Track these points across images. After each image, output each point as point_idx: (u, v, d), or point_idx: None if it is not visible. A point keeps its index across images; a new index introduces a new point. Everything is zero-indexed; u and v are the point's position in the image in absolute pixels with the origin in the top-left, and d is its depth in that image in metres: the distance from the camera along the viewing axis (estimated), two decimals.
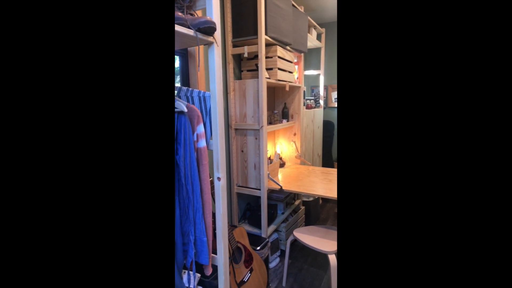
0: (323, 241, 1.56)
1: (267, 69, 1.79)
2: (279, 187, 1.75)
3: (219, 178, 0.94)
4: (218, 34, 0.87)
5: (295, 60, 2.32)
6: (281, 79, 1.85)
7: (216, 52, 0.88)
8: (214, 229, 1.05)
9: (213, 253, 1.01)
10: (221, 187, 0.95)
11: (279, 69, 1.82)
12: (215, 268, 1.02)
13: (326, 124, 3.33)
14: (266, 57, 1.77)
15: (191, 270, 0.95)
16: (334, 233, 1.65)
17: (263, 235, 1.80)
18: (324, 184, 1.78)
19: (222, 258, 0.98)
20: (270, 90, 2.33)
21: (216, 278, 1.21)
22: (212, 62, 0.88)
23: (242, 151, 1.81)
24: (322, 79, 2.96)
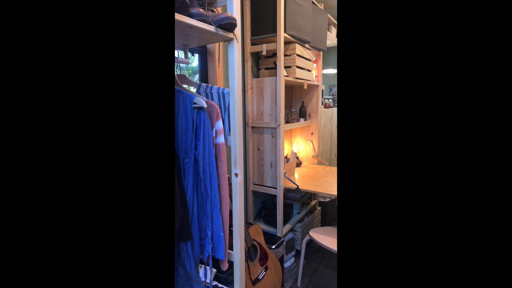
0: None
1: (286, 67, 1.78)
2: (296, 186, 1.73)
3: (236, 174, 0.95)
4: (238, 30, 0.88)
5: (314, 59, 2.29)
6: (299, 77, 1.83)
7: (236, 48, 0.88)
8: (231, 225, 1.05)
9: (229, 249, 1.02)
10: (238, 183, 0.95)
11: (298, 67, 1.81)
12: (231, 264, 1.02)
13: None
14: (285, 55, 1.76)
15: (208, 265, 0.96)
16: None
17: (278, 234, 1.79)
18: None
19: (238, 254, 0.98)
20: (287, 89, 2.31)
21: (231, 274, 1.21)
22: (231, 58, 0.88)
23: (259, 149, 1.81)
24: None
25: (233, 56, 0.88)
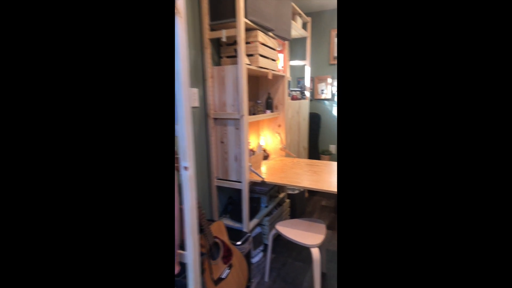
0: (306, 234, 1.50)
1: (248, 55, 1.70)
2: (261, 179, 1.67)
3: (186, 168, 0.85)
4: (181, 5, 0.78)
5: (279, 48, 2.23)
6: (263, 66, 1.76)
7: (180, 25, 0.78)
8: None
9: (181, 250, 0.93)
10: (188, 177, 0.86)
11: (261, 55, 1.73)
12: (184, 266, 0.93)
13: (313, 117, 3.28)
14: (247, 43, 1.67)
15: None
16: (318, 226, 1.60)
17: (245, 230, 1.72)
18: (309, 176, 1.72)
19: (191, 254, 0.89)
20: (253, 79, 2.24)
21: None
22: (175, 36, 0.78)
23: (222, 142, 1.72)
24: (308, 70, 2.89)
25: (177, 33, 0.78)
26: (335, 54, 3.05)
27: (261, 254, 1.95)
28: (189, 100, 0.85)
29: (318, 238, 1.46)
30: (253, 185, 2.10)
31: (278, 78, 2.22)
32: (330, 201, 2.98)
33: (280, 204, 2.29)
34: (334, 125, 3.28)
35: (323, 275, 1.74)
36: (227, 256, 1.39)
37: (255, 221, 1.85)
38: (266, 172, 1.84)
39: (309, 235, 1.49)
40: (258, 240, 1.93)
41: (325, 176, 1.69)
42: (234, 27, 1.54)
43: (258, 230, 1.93)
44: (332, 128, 3.30)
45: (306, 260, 1.90)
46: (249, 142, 2.08)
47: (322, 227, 1.58)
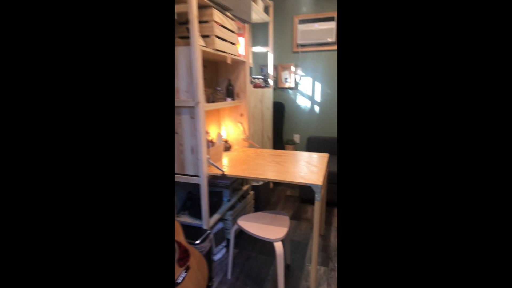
0: (269, 229, 1.43)
1: (203, 36, 1.54)
2: (221, 172, 1.56)
3: None
4: None
5: (239, 32, 2.09)
6: (220, 49, 1.62)
7: None
8: None
9: None
10: None
11: (218, 37, 1.58)
12: None
13: (277, 106, 3.21)
14: (201, 22, 1.51)
15: None
16: (281, 219, 1.54)
17: (205, 227, 1.61)
18: (272, 167, 1.64)
19: None
20: (211, 64, 2.07)
21: None
22: None
23: (176, 133, 1.55)
24: (271, 57, 2.80)
25: None
26: (299, 41, 3.00)
27: (224, 250, 1.86)
28: None
29: (281, 231, 1.40)
30: (214, 178, 1.98)
31: (238, 63, 2.09)
32: (295, 190, 2.98)
33: (244, 196, 2.20)
34: (298, 115, 3.27)
35: (287, 267, 1.70)
36: (183, 258, 1.26)
37: (216, 216, 1.74)
38: (227, 164, 1.72)
39: (272, 229, 1.42)
40: (221, 236, 1.83)
41: (289, 167, 1.63)
42: (185, 2, 1.36)
43: (220, 225, 1.83)
44: (296, 118, 3.28)
45: (271, 253, 1.86)
46: (207, 133, 1.93)
47: (286, 219, 1.52)
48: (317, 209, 1.38)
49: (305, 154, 1.94)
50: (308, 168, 1.60)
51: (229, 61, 1.77)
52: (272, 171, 1.55)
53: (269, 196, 2.64)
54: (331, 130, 3.16)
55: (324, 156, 1.88)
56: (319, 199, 1.37)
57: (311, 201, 2.69)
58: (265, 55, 3.26)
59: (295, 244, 1.95)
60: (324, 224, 2.22)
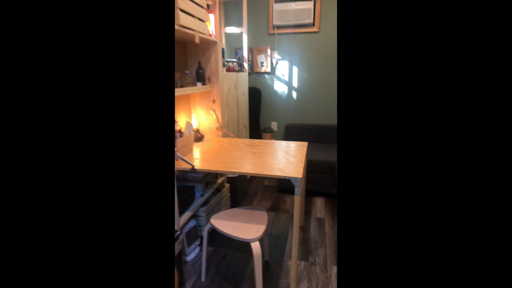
0: (245, 227, 1.30)
1: None
2: (191, 167, 1.39)
3: None
4: None
5: (209, 8, 1.86)
6: (186, 25, 1.40)
7: None
8: None
9: None
10: None
11: (183, 11, 1.37)
12: None
13: (253, 91, 3.04)
14: None
15: None
16: (259, 215, 1.41)
17: (174, 227, 1.44)
18: (248, 158, 1.50)
19: None
20: (178, 45, 1.84)
21: None
22: None
23: None
24: (245, 39, 2.60)
25: None
26: (275, 23, 2.81)
27: (197, 250, 1.72)
28: None
29: (258, 229, 1.28)
30: (184, 173, 1.80)
31: (209, 44, 1.88)
32: (273, 180, 2.89)
33: (219, 189, 2.06)
34: (275, 101, 3.13)
35: (266, 263, 1.60)
36: None
37: (188, 214, 1.58)
38: (199, 157, 1.55)
39: (249, 228, 1.30)
40: (194, 234, 1.69)
41: (267, 158, 1.49)
42: None
43: (192, 223, 1.68)
44: (273, 104, 3.14)
45: (249, 250, 1.75)
46: (175, 122, 1.73)
47: (263, 216, 1.41)
48: (297, 203, 1.27)
49: (283, 144, 1.81)
50: (287, 159, 1.48)
51: (197, 41, 1.56)
52: (248, 163, 1.41)
53: (246, 187, 2.52)
54: (309, 117, 3.07)
55: (303, 145, 1.77)
56: (299, 192, 1.26)
57: (290, 191, 2.61)
58: (239, 36, 3.04)
59: (274, 238, 1.86)
60: (304, 215, 2.15)
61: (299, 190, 1.26)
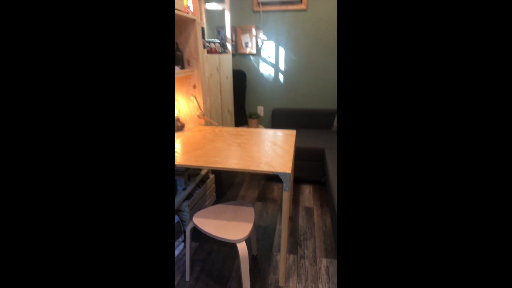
0: (230, 226, 1.21)
1: None
2: None
3: None
4: None
5: None
6: None
7: None
8: None
9: None
10: None
11: None
12: None
13: (237, 74, 2.87)
14: None
15: None
16: (245, 211, 1.32)
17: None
18: (232, 151, 1.38)
19: None
20: None
21: None
22: None
23: None
24: (228, 17, 2.38)
25: None
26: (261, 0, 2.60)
27: (181, 246, 1.63)
28: None
29: (245, 228, 1.19)
30: None
31: (187, 23, 1.68)
32: None
33: (203, 181, 1.95)
34: (261, 85, 2.97)
35: (254, 258, 1.54)
36: None
37: None
38: (179, 149, 1.42)
39: (235, 226, 1.21)
40: (177, 230, 1.59)
41: (252, 150, 1.38)
42: None
43: (175, 218, 1.57)
44: (259, 88, 2.99)
45: (236, 245, 1.68)
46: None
47: (250, 212, 1.32)
48: (285, 200, 1.18)
49: (270, 133, 1.70)
50: (274, 150, 1.38)
51: None
52: (233, 156, 1.29)
53: (232, 176, 2.42)
54: (297, 101, 2.95)
55: (291, 134, 1.67)
56: (287, 188, 1.17)
57: (278, 179, 2.54)
58: (221, 14, 2.80)
59: (262, 230, 1.79)
60: (292, 204, 2.09)
61: (287, 185, 1.16)
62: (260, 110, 3.07)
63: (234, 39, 2.84)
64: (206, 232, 1.18)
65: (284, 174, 1.14)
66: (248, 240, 1.66)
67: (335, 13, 2.59)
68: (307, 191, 2.32)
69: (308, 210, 2.03)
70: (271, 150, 1.39)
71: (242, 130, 1.76)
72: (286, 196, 1.18)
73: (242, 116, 3.01)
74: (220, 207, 1.36)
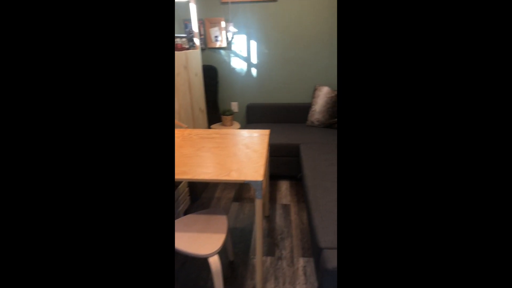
0: (202, 238, 1.16)
1: None
2: None
3: None
4: None
5: None
6: None
7: None
8: None
9: None
10: None
11: None
12: None
13: (208, 70, 2.75)
14: None
15: None
16: (218, 220, 1.27)
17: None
18: (201, 158, 1.31)
19: None
20: None
21: None
22: None
23: None
24: (193, 9, 2.24)
25: None
26: None
27: None
28: None
29: (217, 240, 1.15)
30: None
31: None
32: None
33: (175, 186, 1.86)
34: (234, 80, 2.88)
35: (231, 264, 1.51)
36: None
37: None
38: None
39: (207, 238, 1.16)
40: None
41: (223, 156, 1.32)
42: None
43: None
44: (232, 83, 2.89)
45: None
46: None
47: (223, 220, 1.27)
48: (258, 209, 1.14)
49: (245, 134, 1.64)
50: (247, 154, 1.33)
51: None
52: (202, 165, 1.22)
53: (205, 185, 2.35)
54: (271, 96, 2.90)
55: (265, 134, 1.62)
56: (260, 196, 1.13)
57: None
58: (186, 6, 2.64)
59: (239, 233, 1.76)
60: (269, 203, 2.07)
61: (260, 193, 1.12)
62: (235, 106, 2.99)
63: (202, 32, 2.70)
64: (175, 248, 1.12)
65: (256, 182, 1.10)
66: (223, 249, 1.62)
67: (305, 5, 2.53)
68: (284, 187, 2.31)
69: (285, 208, 2.02)
70: (244, 155, 1.33)
71: (214, 132, 1.68)
72: (259, 205, 1.14)
73: (215, 113, 2.91)
74: (190, 217, 1.30)
